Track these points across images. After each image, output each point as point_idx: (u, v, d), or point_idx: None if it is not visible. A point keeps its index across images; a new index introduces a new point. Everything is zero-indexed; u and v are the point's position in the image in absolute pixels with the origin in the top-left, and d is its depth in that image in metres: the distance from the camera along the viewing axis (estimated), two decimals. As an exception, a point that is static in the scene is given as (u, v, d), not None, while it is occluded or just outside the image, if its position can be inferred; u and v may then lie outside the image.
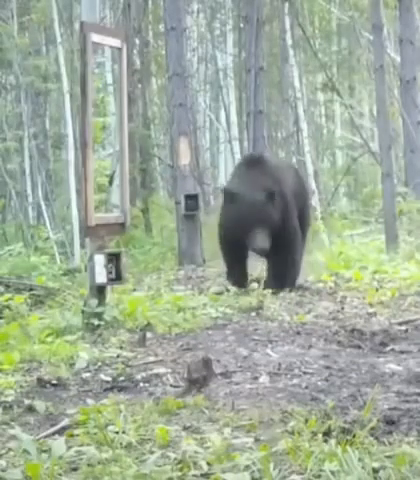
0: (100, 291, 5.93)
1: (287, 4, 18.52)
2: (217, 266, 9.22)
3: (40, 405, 3.79)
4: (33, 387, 4.22)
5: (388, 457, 2.88)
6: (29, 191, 15.35)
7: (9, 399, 3.96)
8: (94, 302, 5.81)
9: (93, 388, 4.23)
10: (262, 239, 7.19)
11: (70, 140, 13.19)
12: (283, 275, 7.45)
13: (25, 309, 6.51)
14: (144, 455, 3.05)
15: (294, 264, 7.67)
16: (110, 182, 12.01)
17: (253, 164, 7.65)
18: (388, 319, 5.91)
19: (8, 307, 6.53)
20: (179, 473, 2.86)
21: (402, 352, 4.88)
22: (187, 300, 6.75)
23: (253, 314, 6.19)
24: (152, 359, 4.82)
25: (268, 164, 7.78)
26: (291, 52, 19.60)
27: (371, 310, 6.29)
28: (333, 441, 2.98)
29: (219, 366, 4.46)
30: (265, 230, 7.21)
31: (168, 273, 10.26)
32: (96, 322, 5.73)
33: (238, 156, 17.63)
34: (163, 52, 15.70)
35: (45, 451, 3.10)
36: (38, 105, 16.87)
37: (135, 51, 17.02)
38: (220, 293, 7.26)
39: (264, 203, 7.25)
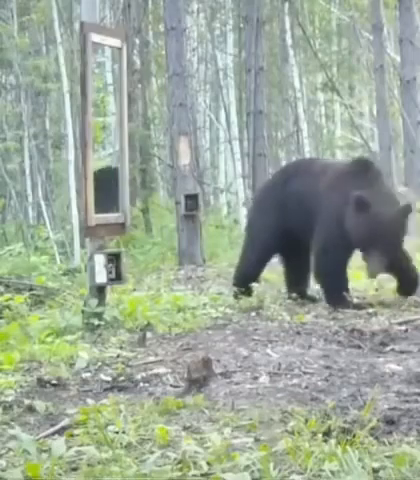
0: (100, 291, 5.93)
1: (287, 4, 18.56)
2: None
3: (40, 405, 3.79)
4: (33, 387, 4.22)
5: (388, 457, 2.88)
6: (29, 191, 15.36)
7: (9, 399, 3.96)
8: (94, 302, 5.82)
9: (93, 388, 4.23)
10: (380, 262, 6.41)
11: (70, 140, 13.20)
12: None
13: (25, 309, 6.51)
14: (144, 455, 3.05)
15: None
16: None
17: (373, 172, 6.67)
18: (388, 319, 5.91)
19: (8, 307, 6.53)
20: (179, 473, 2.86)
21: (402, 352, 4.88)
22: (187, 300, 6.75)
23: (253, 314, 6.19)
24: (152, 359, 4.82)
25: (381, 174, 6.90)
26: (291, 52, 19.64)
27: (371, 310, 6.28)
28: (333, 441, 2.98)
29: (219, 366, 4.46)
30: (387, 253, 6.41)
31: (168, 273, 10.26)
32: (96, 322, 5.73)
33: (238, 156, 17.62)
34: (163, 52, 15.70)
35: (45, 451, 3.10)
36: (38, 105, 16.88)
37: (135, 51, 17.03)
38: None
39: (399, 220, 6.42)
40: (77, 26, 12.30)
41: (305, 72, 22.91)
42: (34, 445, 3.09)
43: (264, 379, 4.22)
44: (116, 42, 6.18)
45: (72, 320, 5.83)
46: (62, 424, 3.48)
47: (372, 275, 6.57)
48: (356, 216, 6.35)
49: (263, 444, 3.03)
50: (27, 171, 15.24)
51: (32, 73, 14.99)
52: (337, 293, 6.48)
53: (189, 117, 12.42)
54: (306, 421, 3.28)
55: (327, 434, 3.11)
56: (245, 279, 6.91)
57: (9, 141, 14.89)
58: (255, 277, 6.93)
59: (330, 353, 4.85)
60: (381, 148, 10.68)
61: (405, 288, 6.81)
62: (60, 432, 3.38)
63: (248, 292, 6.64)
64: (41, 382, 4.26)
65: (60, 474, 2.89)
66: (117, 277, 6.00)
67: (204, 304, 6.63)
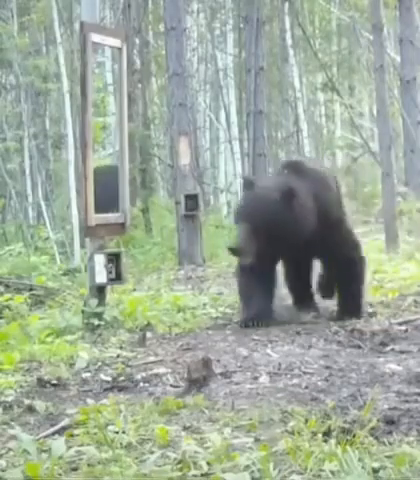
0: (100, 291, 5.94)
1: (287, 4, 18.57)
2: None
3: (40, 405, 3.79)
4: (33, 387, 4.22)
5: (388, 457, 2.88)
6: (29, 191, 15.35)
7: (9, 399, 3.96)
8: (94, 302, 5.82)
9: (93, 388, 4.23)
10: (243, 238, 5.89)
11: (70, 140, 13.19)
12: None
13: (25, 309, 6.51)
14: (144, 455, 3.05)
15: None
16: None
17: (293, 168, 6.43)
18: (388, 319, 5.91)
19: (8, 307, 6.53)
20: (179, 473, 2.86)
21: (402, 352, 4.88)
22: (187, 300, 6.75)
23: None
24: (152, 359, 4.82)
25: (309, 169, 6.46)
26: (291, 52, 19.65)
27: (371, 310, 6.28)
28: (333, 441, 2.98)
29: (219, 366, 4.46)
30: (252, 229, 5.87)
31: (168, 273, 10.26)
32: (96, 322, 5.73)
33: (238, 156, 17.63)
34: (163, 52, 15.70)
35: (45, 451, 3.10)
36: (38, 105, 16.87)
37: (135, 51, 17.01)
38: None
39: (273, 200, 5.91)
40: (77, 26, 12.29)
41: (305, 72, 22.91)
42: (34, 445, 3.09)
43: (264, 379, 4.22)
44: (116, 42, 6.19)
45: (72, 320, 5.83)
46: (62, 424, 3.48)
47: (230, 248, 6.05)
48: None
49: (263, 444, 3.03)
50: (27, 171, 15.23)
51: (32, 73, 14.98)
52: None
53: (189, 117, 12.43)
54: (306, 421, 3.28)
55: (327, 434, 3.11)
56: None
57: (9, 141, 14.88)
58: None
59: (330, 353, 4.85)
60: (381, 148, 10.65)
61: (339, 309, 6.27)
62: (60, 432, 3.38)
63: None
64: (41, 382, 4.26)
65: (60, 474, 2.88)
66: (117, 277, 6.01)
67: (204, 304, 6.63)
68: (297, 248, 6.01)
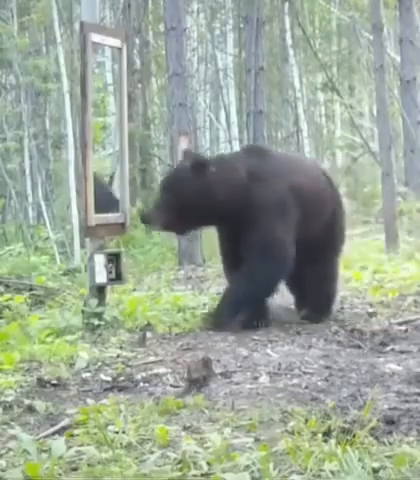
0: (100, 291, 5.93)
1: (287, 4, 18.56)
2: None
3: (40, 405, 3.79)
4: (33, 387, 4.22)
5: (388, 457, 2.88)
6: (29, 191, 15.35)
7: (9, 399, 3.96)
8: (94, 302, 5.82)
9: (93, 388, 4.23)
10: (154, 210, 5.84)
11: (70, 140, 13.18)
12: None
13: (25, 309, 6.51)
14: (144, 455, 3.05)
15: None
16: (110, 182, 12.02)
17: (248, 149, 6.51)
18: (388, 319, 5.91)
19: (8, 307, 6.53)
20: (179, 473, 2.86)
21: (402, 352, 4.88)
22: (187, 300, 6.75)
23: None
24: (152, 359, 4.82)
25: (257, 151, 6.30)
26: (291, 52, 19.65)
27: (371, 310, 6.28)
28: (333, 441, 2.98)
29: (219, 366, 4.46)
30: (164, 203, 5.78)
31: (168, 273, 10.26)
32: (96, 322, 5.73)
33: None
34: (163, 52, 15.69)
35: (45, 451, 3.10)
36: (38, 105, 16.87)
37: (135, 51, 17.00)
38: None
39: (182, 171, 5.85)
40: (77, 26, 12.29)
41: (305, 72, 22.91)
42: (34, 445, 3.09)
43: (264, 379, 4.22)
44: (116, 42, 6.18)
45: (72, 320, 5.83)
46: (62, 424, 3.48)
47: (141, 215, 6.19)
48: None
49: (263, 444, 3.03)
50: (27, 171, 15.23)
51: (32, 73, 14.98)
52: None
53: (189, 117, 12.41)
54: (306, 421, 3.29)
55: (327, 434, 3.11)
56: None
57: (9, 141, 14.88)
58: None
59: (330, 353, 4.85)
60: (381, 148, 10.66)
61: (307, 309, 6.06)
62: (60, 432, 3.38)
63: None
64: (41, 382, 4.26)
65: (60, 474, 2.88)
66: (117, 277, 6.00)
67: (204, 304, 6.63)
68: (227, 227, 5.86)
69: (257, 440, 3.16)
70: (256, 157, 6.02)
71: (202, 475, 2.85)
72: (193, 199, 5.67)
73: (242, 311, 5.73)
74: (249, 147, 6.42)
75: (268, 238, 5.75)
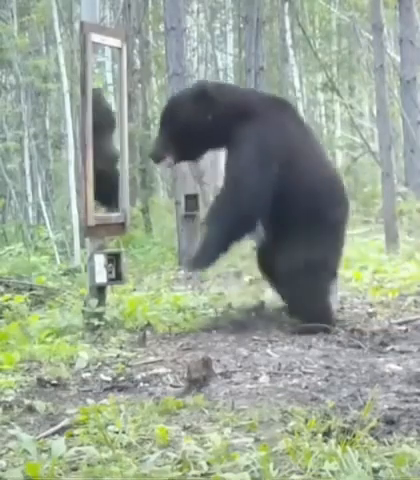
0: (100, 291, 5.93)
1: (287, 4, 18.55)
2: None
3: (40, 405, 3.79)
4: (33, 387, 4.22)
5: (388, 457, 2.88)
6: (29, 191, 15.36)
7: (9, 399, 3.95)
8: (94, 302, 5.81)
9: (93, 388, 4.23)
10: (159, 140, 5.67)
11: (70, 140, 13.19)
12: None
13: (25, 309, 6.51)
14: (144, 455, 3.05)
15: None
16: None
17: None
18: (388, 319, 5.91)
19: (8, 307, 6.53)
20: (179, 473, 2.86)
21: (402, 352, 4.88)
22: (187, 300, 6.75)
23: (253, 314, 6.19)
24: (152, 359, 4.82)
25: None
26: (291, 52, 19.65)
27: (371, 310, 6.28)
28: (333, 441, 2.98)
29: (219, 366, 4.46)
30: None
31: (168, 273, 10.26)
32: (96, 322, 5.73)
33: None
34: (163, 52, 15.70)
35: (45, 451, 3.10)
36: (38, 105, 16.89)
37: (135, 51, 17.02)
38: None
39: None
40: (77, 26, 12.30)
41: (305, 72, 22.91)
42: (34, 445, 3.09)
43: (264, 379, 4.22)
44: (116, 42, 6.18)
45: (72, 320, 5.83)
46: (62, 424, 3.48)
47: (149, 154, 5.95)
48: None
49: (263, 444, 3.03)
50: (27, 171, 15.24)
51: (32, 73, 15.00)
52: None
53: (189, 117, 12.40)
54: (306, 421, 3.28)
55: (327, 434, 3.11)
56: None
57: (9, 141, 14.90)
58: None
59: (330, 353, 4.85)
60: (381, 148, 10.65)
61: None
62: (60, 432, 3.38)
63: None
64: (41, 382, 4.26)
65: (60, 474, 2.88)
66: (117, 277, 6.00)
67: (204, 304, 6.63)
68: None
69: (257, 440, 3.16)
70: (274, 108, 5.68)
71: (202, 475, 2.85)
72: (196, 118, 5.44)
73: (221, 250, 5.50)
74: (282, 100, 6.17)
75: (239, 175, 5.42)
